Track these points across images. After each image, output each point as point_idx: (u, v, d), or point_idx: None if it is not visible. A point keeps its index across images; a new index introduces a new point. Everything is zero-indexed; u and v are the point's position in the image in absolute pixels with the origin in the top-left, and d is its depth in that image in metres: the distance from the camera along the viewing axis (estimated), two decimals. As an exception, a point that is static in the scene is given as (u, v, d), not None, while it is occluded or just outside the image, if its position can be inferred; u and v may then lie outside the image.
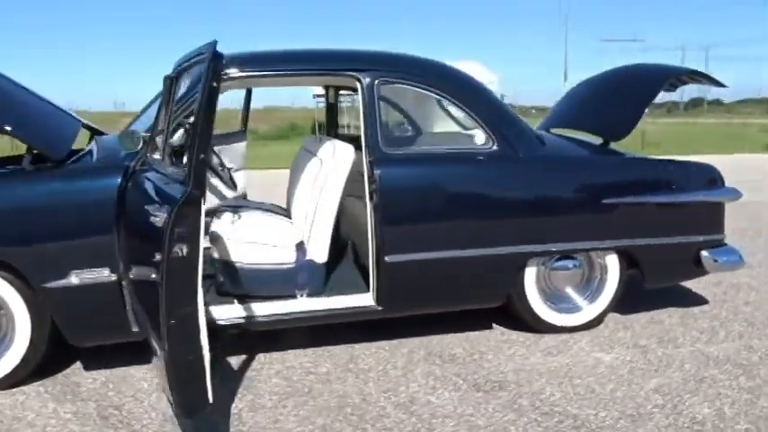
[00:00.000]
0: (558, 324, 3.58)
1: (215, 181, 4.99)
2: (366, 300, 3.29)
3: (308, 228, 3.33)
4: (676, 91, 4.38)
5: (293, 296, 3.31)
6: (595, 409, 2.73)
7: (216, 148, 5.00)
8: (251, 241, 3.30)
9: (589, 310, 3.62)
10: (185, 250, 1.93)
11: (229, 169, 5.17)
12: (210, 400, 2.10)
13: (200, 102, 2.00)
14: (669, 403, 2.78)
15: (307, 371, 3.16)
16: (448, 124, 3.55)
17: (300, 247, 3.34)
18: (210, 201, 4.49)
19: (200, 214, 1.99)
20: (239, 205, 3.99)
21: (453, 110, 3.42)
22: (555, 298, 3.62)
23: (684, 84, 4.19)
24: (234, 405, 2.80)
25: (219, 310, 3.16)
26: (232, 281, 3.30)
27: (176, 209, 1.91)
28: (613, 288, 3.63)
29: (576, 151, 3.80)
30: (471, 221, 3.30)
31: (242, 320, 3.15)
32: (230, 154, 5.18)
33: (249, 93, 5.24)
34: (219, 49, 2.14)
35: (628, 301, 3.89)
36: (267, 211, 3.86)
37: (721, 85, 3.98)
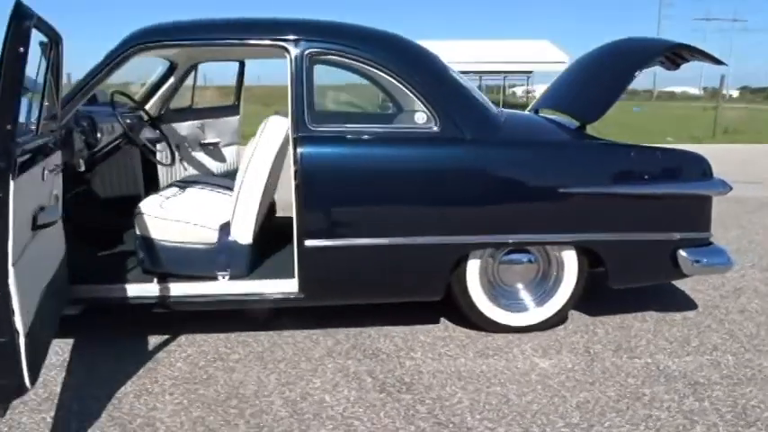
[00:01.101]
0: (506, 323, 3.26)
1: (197, 155, 4.92)
2: (290, 286, 3.09)
3: (233, 207, 3.16)
4: (680, 68, 3.88)
5: (215, 278, 3.16)
6: (496, 423, 2.44)
7: (207, 122, 4.93)
8: (176, 219, 3.17)
9: (540, 311, 3.28)
10: None
11: (216, 144, 5.09)
12: (29, 384, 1.98)
13: (3, 70, 1.84)
14: (584, 422, 2.44)
15: (218, 357, 3.01)
16: (387, 102, 3.26)
17: (225, 227, 3.17)
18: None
19: (9, 187, 1.85)
20: (197, 181, 3.87)
21: (393, 86, 3.13)
22: (504, 295, 3.31)
23: (686, 61, 3.71)
24: (123, 389, 2.70)
25: (137, 288, 3.06)
26: (153, 259, 3.18)
27: None
28: (570, 287, 3.27)
29: (538, 135, 3.42)
30: (403, 208, 3.03)
31: (158, 300, 3.04)
32: (221, 128, 5.09)
33: (242, 66, 5.11)
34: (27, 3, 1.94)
35: (602, 300, 3.52)
36: (221, 189, 3.72)
37: (720, 63, 3.48)
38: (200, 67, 4.73)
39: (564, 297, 3.28)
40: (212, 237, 3.15)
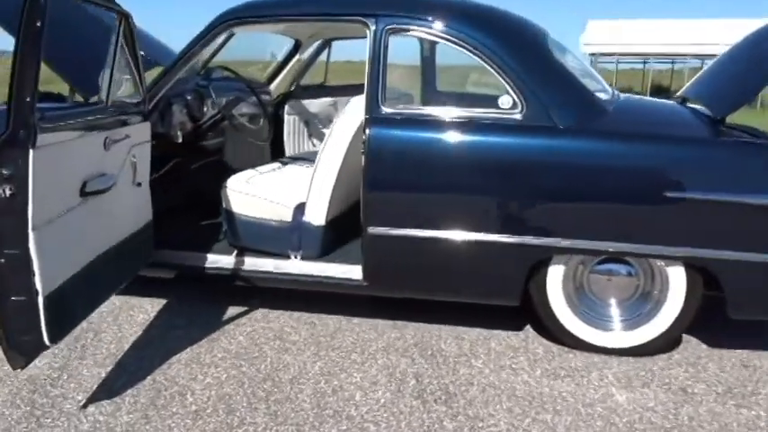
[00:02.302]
0: (589, 341, 2.84)
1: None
2: (356, 273, 2.98)
3: (308, 187, 3.12)
4: None
5: (287, 257, 3.16)
6: (525, 458, 2.11)
7: (340, 100, 4.96)
8: (256, 195, 3.21)
9: (634, 334, 2.80)
10: (9, 191, 1.93)
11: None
12: (47, 342, 2.11)
13: (20, 44, 1.93)
14: (633, 478, 2.02)
15: (279, 336, 3.01)
16: (470, 83, 2.97)
17: (301, 207, 3.14)
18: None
19: (28, 156, 1.96)
20: (305, 159, 3.90)
21: (477, 65, 2.82)
22: (591, 308, 2.87)
23: None
24: (179, 355, 2.80)
25: (214, 259, 3.17)
26: (234, 232, 3.26)
27: None
28: (674, 312, 2.74)
29: (652, 126, 2.87)
30: (475, 201, 2.74)
31: (231, 272, 3.12)
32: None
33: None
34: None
35: (730, 329, 2.93)
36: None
37: None
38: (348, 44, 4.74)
39: (666, 322, 2.76)
40: (287, 215, 3.14)
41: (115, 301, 3.38)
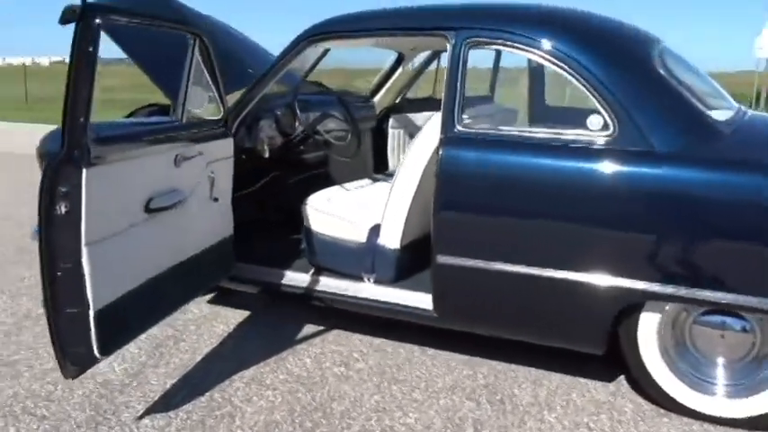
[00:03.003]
0: (688, 405, 2.42)
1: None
2: (426, 302, 2.80)
3: (384, 208, 2.99)
4: None
5: (361, 279, 3.05)
6: None
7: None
8: (334, 214, 3.14)
9: (748, 402, 2.34)
10: (65, 208, 2.00)
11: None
12: (98, 354, 2.16)
13: (74, 66, 1.97)
14: None
15: (345, 361, 2.91)
16: (555, 98, 2.66)
17: (376, 228, 3.02)
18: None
19: (81, 175, 2.01)
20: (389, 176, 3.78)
21: (564, 80, 2.53)
22: (693, 365, 2.45)
23: None
24: (244, 372, 2.80)
25: (290, 276, 3.14)
26: (311, 251, 3.21)
27: (51, 167, 1.98)
28: (797, 380, 2.25)
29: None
30: (555, 233, 2.45)
31: (305, 291, 3.07)
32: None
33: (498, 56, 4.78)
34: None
35: None
36: None
37: None
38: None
39: (785, 392, 2.28)
40: (362, 236, 3.03)
41: (204, 308, 3.49)
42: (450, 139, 2.61)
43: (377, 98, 4.45)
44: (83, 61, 1.96)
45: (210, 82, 2.79)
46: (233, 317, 3.40)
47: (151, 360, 2.90)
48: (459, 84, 2.63)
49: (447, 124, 2.63)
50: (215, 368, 2.84)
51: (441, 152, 2.60)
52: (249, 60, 3.63)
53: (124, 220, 2.24)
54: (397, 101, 4.60)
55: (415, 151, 2.87)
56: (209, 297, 3.62)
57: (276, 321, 3.33)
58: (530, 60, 2.56)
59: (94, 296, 2.10)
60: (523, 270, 2.50)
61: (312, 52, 3.43)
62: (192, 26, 2.54)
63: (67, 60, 1.95)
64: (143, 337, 3.07)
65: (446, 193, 2.59)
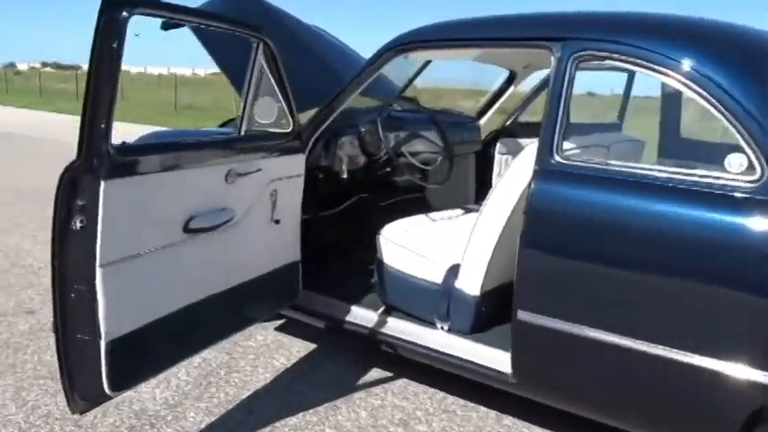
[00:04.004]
0: None
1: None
2: (504, 363, 2.33)
3: (465, 247, 2.55)
4: None
5: (433, 325, 2.63)
6: None
7: None
8: (409, 248, 2.74)
9: None
10: (80, 223, 1.78)
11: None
12: (107, 390, 1.91)
13: (94, 66, 1.74)
14: None
15: (406, 421, 2.50)
16: (686, 131, 2.09)
17: (455, 268, 2.59)
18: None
19: (99, 187, 1.78)
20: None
21: (697, 107, 1.97)
22: None
23: None
24: (289, 420, 2.48)
25: (357, 313, 2.79)
26: (382, 286, 2.84)
27: (68, 176, 1.76)
28: None
29: None
30: (677, 301, 1.89)
31: (369, 332, 2.70)
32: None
33: (631, 78, 4.19)
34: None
35: None
36: None
37: None
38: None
39: None
40: (437, 276, 2.62)
41: (269, 336, 3.23)
42: (544, 171, 2.15)
43: (484, 120, 4.02)
44: (105, 59, 1.73)
45: (278, 91, 2.52)
46: (296, 349, 3.10)
47: (196, 391, 2.66)
48: (561, 106, 2.16)
49: (543, 154, 2.17)
50: (259, 409, 2.55)
51: (532, 186, 2.14)
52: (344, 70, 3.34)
53: (154, 239, 1.99)
54: (507, 123, 4.15)
55: (506, 183, 2.42)
56: (278, 323, 3.36)
57: (340, 360, 2.99)
58: (652, 81, 2.04)
59: (108, 324, 1.86)
60: (627, 343, 1.96)
61: (405, 65, 3.08)
62: (251, 28, 2.28)
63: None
64: (196, 360, 2.87)
65: (534, 236, 2.12)
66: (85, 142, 1.75)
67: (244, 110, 2.36)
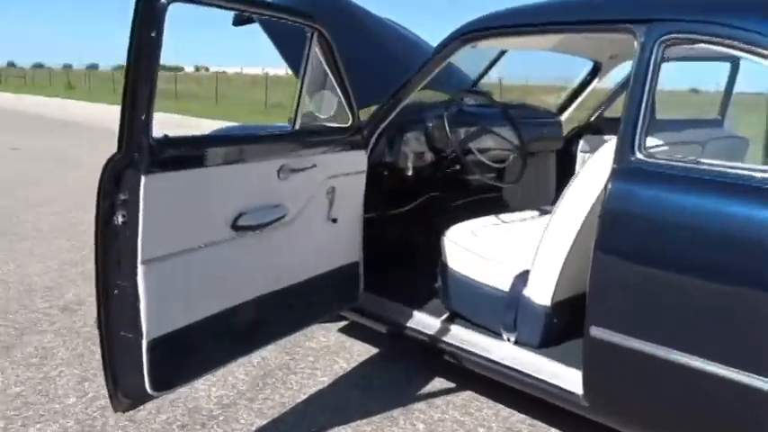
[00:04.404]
0: None
1: None
2: (574, 383, 2.11)
3: (535, 252, 2.34)
4: None
5: (500, 336, 2.44)
6: None
7: None
8: (475, 251, 2.56)
9: None
10: (122, 218, 1.73)
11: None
12: (149, 389, 1.85)
13: (133, 55, 1.66)
14: None
15: (464, 437, 2.33)
16: None
17: (524, 275, 2.38)
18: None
19: (139, 182, 1.72)
20: None
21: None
22: None
23: None
24: (338, 430, 2.36)
25: (419, 319, 2.64)
26: (445, 291, 2.67)
27: (110, 169, 1.71)
28: None
29: None
30: (771, 322, 1.62)
31: (430, 340, 2.54)
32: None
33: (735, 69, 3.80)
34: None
35: None
36: None
37: None
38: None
39: None
40: (505, 283, 2.42)
41: (331, 337, 3.15)
42: (623, 170, 1.91)
43: (565, 115, 3.75)
44: (144, 49, 1.66)
45: (335, 84, 2.40)
46: (358, 353, 2.99)
47: (251, 391, 2.60)
48: (645, 97, 1.92)
49: (623, 151, 1.93)
50: (312, 416, 2.45)
51: (609, 186, 1.91)
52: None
53: (199, 236, 1.92)
54: (591, 119, 3.85)
55: (581, 183, 2.20)
56: (341, 324, 3.26)
57: (402, 367, 2.85)
58: (756, 68, 1.76)
59: (149, 322, 1.81)
60: (716, 371, 1.70)
61: (479, 56, 2.89)
62: (304, 17, 2.16)
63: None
64: (255, 359, 2.82)
65: (609, 242, 1.89)
66: (125, 135, 1.70)
67: (298, 103, 2.25)
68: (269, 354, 2.89)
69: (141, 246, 1.75)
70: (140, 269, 1.77)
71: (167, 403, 2.44)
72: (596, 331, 1.93)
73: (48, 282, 3.77)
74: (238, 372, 2.73)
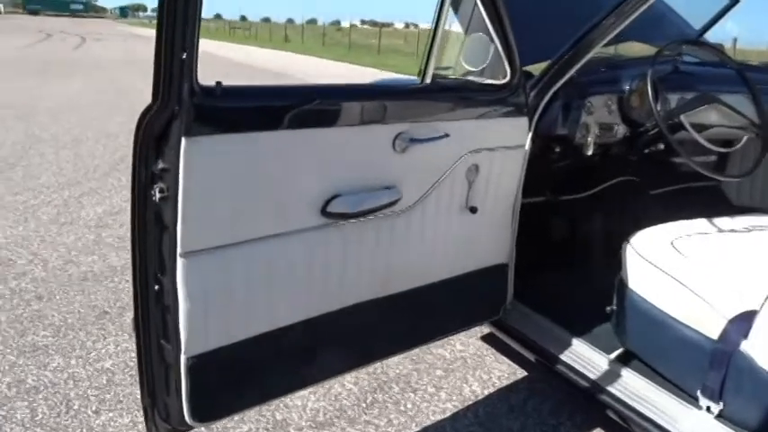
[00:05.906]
0: None
1: None
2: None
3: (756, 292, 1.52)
4: None
5: (695, 401, 1.67)
6: None
7: None
8: (674, 275, 1.77)
9: None
10: (159, 193, 1.27)
11: None
12: (188, 419, 1.40)
13: None
14: None
15: None
16: None
17: (746, 320, 1.57)
18: None
19: (179, 146, 1.24)
20: None
21: None
22: None
23: None
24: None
25: (580, 351, 1.95)
26: (620, 320, 1.92)
27: (144, 127, 1.24)
28: None
29: None
30: None
31: (590, 387, 1.84)
32: None
33: None
34: None
35: None
36: None
37: None
38: None
39: None
40: (714, 327, 1.63)
41: (471, 347, 2.58)
42: None
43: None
44: None
45: (491, 28, 1.74)
46: (499, 374, 2.38)
47: (354, 409, 2.12)
48: None
49: None
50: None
51: None
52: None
53: (267, 225, 1.42)
54: None
55: None
56: (487, 330, 2.65)
57: (548, 405, 2.19)
58: None
59: (190, 334, 1.37)
60: None
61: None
62: None
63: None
64: (372, 366, 2.32)
65: None
66: (162, 84, 1.23)
67: (431, 48, 1.64)
68: (391, 359, 2.38)
69: (181, 233, 1.30)
70: (180, 263, 1.32)
71: (255, 412, 2.04)
72: None
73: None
74: (347, 379, 2.26)
